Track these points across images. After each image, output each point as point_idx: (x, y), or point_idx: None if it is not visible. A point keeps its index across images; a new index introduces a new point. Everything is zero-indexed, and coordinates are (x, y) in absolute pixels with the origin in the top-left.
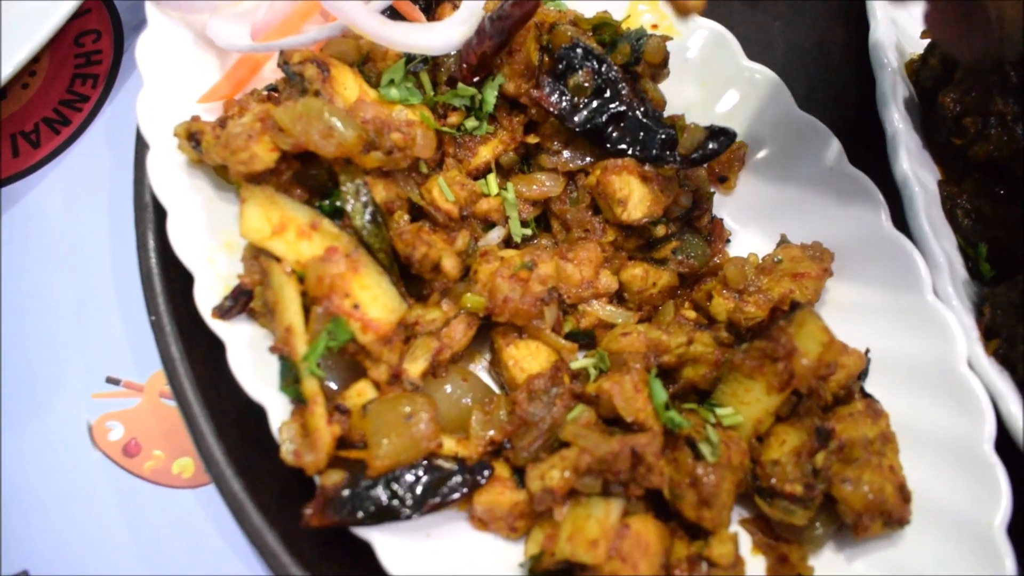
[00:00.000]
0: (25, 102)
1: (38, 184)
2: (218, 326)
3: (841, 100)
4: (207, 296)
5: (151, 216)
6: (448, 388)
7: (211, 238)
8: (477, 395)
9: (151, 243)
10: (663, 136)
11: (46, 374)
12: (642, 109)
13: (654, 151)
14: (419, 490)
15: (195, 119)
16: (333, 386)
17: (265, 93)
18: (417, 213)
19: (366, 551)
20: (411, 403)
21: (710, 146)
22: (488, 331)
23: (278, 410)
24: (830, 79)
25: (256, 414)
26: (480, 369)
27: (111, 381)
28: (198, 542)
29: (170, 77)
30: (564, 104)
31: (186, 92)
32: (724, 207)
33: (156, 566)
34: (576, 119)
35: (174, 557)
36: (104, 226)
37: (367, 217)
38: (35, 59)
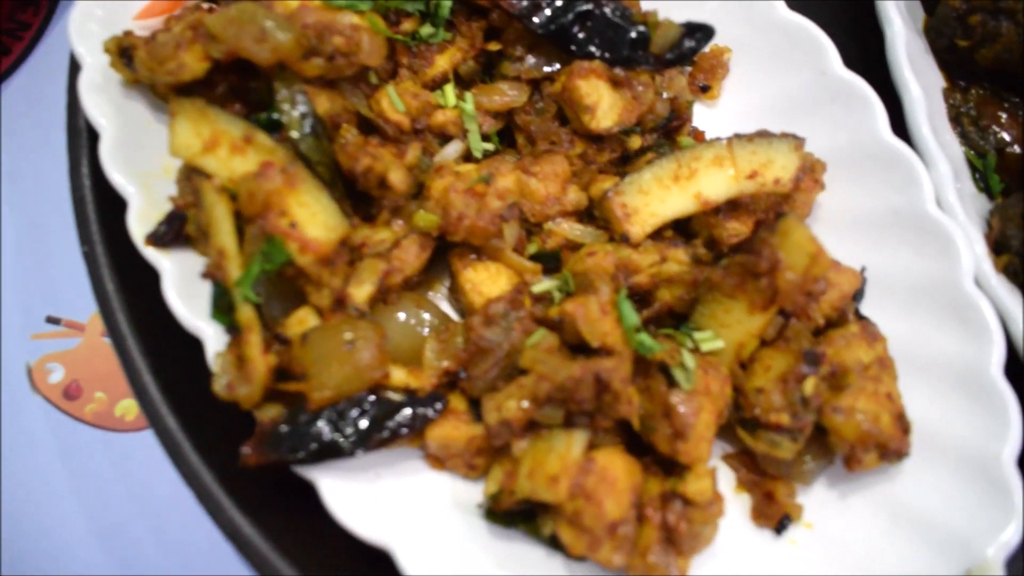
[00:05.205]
0: None
1: None
2: (152, 253)
3: None
4: (142, 223)
5: (84, 142)
6: (402, 316)
7: (148, 162)
8: (435, 323)
9: (84, 169)
10: (634, 35)
11: None
12: (611, 6)
13: (624, 52)
14: (364, 424)
15: (127, 34)
16: (275, 315)
17: (206, 7)
18: (368, 129)
19: (316, 495)
20: (353, 329)
21: (686, 44)
22: (447, 255)
23: (215, 343)
24: None
25: (201, 352)
26: (440, 298)
27: (51, 321)
28: (142, 488)
29: None
30: (525, 3)
31: (124, 11)
32: (707, 118)
33: (98, 513)
34: (538, 19)
35: (117, 503)
36: (46, 159)
37: (306, 128)
38: None
